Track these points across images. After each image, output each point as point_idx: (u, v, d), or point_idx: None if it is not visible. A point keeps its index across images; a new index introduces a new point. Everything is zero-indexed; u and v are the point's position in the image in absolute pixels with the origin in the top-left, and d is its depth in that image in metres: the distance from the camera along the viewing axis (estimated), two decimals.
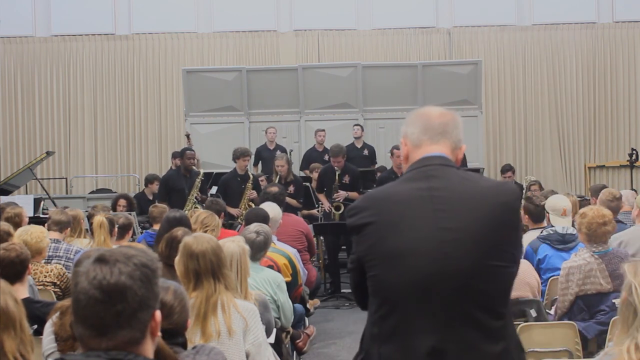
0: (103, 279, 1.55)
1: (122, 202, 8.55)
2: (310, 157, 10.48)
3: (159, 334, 1.66)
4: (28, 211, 7.18)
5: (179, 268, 3.22)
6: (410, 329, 2.08)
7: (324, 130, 10.54)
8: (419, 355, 2.06)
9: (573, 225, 4.90)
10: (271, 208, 5.58)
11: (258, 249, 4.29)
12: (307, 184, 9.12)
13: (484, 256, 2.07)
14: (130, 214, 6.58)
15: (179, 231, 4.08)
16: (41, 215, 7.70)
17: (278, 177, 8.26)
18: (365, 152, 10.36)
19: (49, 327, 3.04)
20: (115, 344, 1.56)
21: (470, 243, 2.07)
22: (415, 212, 2.11)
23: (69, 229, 5.37)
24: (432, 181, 2.15)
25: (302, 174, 10.34)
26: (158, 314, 1.63)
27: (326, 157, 10.18)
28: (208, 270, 3.16)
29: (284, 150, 9.97)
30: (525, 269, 4.31)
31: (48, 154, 10.05)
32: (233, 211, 8.02)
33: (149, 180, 9.59)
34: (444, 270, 2.05)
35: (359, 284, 2.21)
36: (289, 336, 4.58)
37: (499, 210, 2.11)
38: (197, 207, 7.65)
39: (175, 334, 2.34)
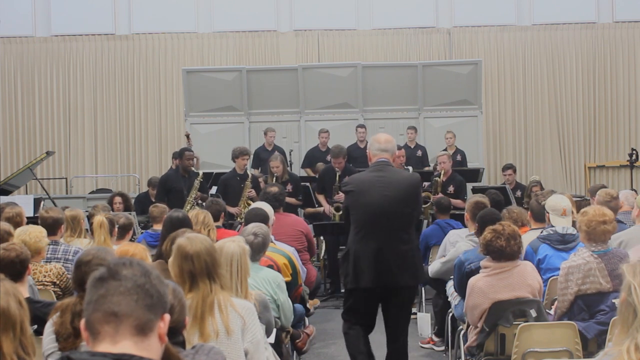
0: (124, 274, 1.65)
1: (118, 199, 8.56)
2: (313, 157, 10.48)
3: (166, 338, 1.67)
4: (28, 211, 7.17)
5: (173, 270, 3.18)
6: (368, 238, 4.55)
7: (327, 131, 10.51)
8: (371, 250, 4.51)
9: (573, 225, 4.89)
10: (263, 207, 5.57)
11: (257, 250, 4.28)
12: (307, 183, 9.11)
13: (401, 206, 4.55)
14: (130, 214, 6.58)
15: (185, 233, 4.07)
16: None
17: (275, 178, 8.26)
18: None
19: (49, 327, 3.04)
20: (125, 326, 1.60)
21: (395, 200, 4.53)
22: (372, 186, 4.57)
23: (62, 226, 5.34)
24: (381, 172, 4.61)
25: (303, 172, 10.35)
26: (167, 316, 1.64)
27: (329, 158, 10.19)
28: (203, 271, 3.14)
29: (281, 151, 9.96)
30: (529, 271, 4.31)
31: (48, 154, 10.03)
32: (232, 210, 8.02)
33: (152, 183, 9.51)
34: (383, 212, 4.51)
35: (346, 217, 4.76)
36: (289, 336, 4.58)
37: (408, 186, 4.63)
38: (195, 208, 7.63)
39: (175, 333, 2.35)
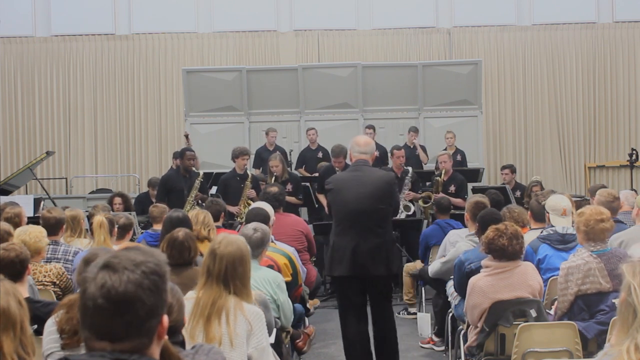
0: (112, 288, 1.51)
1: (118, 200, 8.54)
2: (304, 156, 10.52)
3: (165, 336, 1.66)
4: (28, 211, 7.17)
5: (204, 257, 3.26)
6: (345, 232, 4.96)
7: (314, 128, 10.57)
8: (347, 243, 4.92)
9: (573, 225, 4.89)
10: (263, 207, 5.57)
11: (256, 246, 4.26)
12: (307, 183, 9.11)
13: (376, 203, 4.93)
14: (130, 214, 6.57)
15: (180, 232, 4.07)
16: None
17: (274, 177, 8.26)
18: (376, 153, 10.28)
19: (49, 327, 3.03)
20: (122, 348, 1.54)
21: (371, 198, 4.92)
22: (350, 185, 4.98)
23: (64, 226, 5.33)
24: (357, 172, 5.04)
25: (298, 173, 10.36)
26: (165, 318, 1.61)
27: (319, 155, 10.22)
28: (220, 275, 3.14)
29: (282, 151, 9.97)
30: (530, 272, 4.31)
31: (48, 154, 10.03)
32: (232, 209, 8.02)
33: (152, 184, 9.50)
34: (359, 209, 4.91)
35: (330, 213, 5.27)
36: (289, 336, 4.58)
37: (383, 184, 4.99)
38: (195, 208, 7.63)
39: (174, 332, 2.35)
